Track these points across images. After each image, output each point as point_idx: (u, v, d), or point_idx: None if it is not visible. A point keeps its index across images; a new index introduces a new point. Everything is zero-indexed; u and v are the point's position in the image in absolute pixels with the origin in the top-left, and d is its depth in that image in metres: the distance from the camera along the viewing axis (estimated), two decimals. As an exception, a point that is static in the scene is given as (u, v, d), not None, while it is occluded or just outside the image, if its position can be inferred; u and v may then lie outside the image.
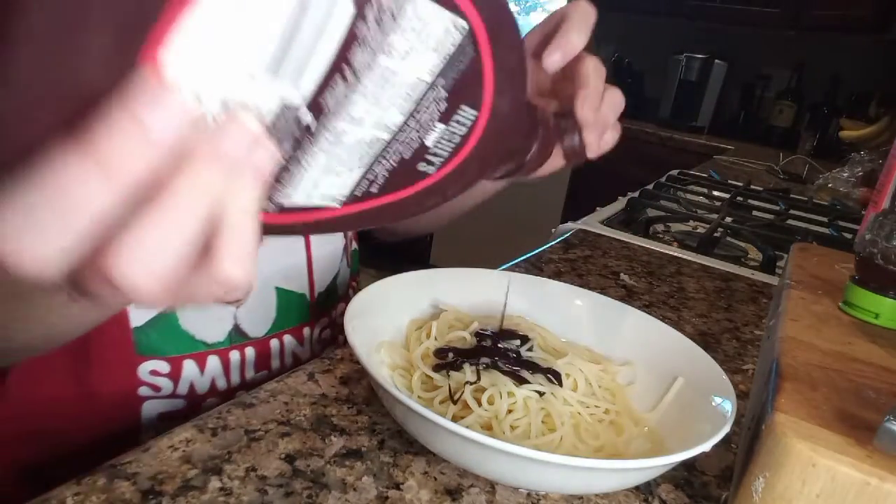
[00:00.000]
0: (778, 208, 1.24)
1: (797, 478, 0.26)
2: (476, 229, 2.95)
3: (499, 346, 0.43)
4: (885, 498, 0.25)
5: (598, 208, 1.05)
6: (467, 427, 0.31)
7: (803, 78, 2.65)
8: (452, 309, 0.48)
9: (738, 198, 1.29)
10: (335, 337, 0.56)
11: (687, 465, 0.40)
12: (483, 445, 0.30)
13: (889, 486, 0.25)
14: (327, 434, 0.38)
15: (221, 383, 0.45)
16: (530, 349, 0.43)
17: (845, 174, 1.54)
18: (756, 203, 1.28)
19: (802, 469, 0.26)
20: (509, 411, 0.38)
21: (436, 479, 0.36)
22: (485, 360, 0.41)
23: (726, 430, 0.34)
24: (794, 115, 2.66)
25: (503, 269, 0.65)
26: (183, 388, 0.43)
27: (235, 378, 0.46)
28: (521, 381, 0.40)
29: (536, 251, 0.78)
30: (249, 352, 0.46)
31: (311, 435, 0.38)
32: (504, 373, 0.40)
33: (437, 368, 0.41)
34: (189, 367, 0.43)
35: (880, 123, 2.03)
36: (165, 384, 0.43)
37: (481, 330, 0.45)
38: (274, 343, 0.47)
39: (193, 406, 0.45)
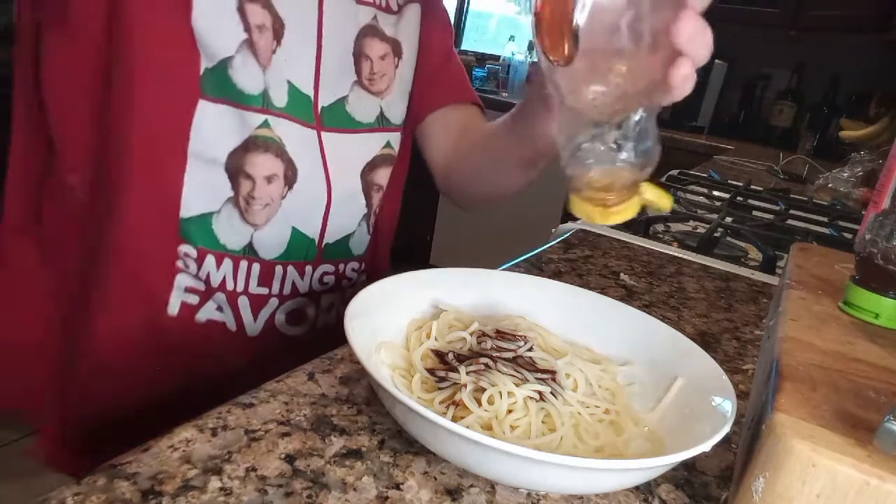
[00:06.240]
0: (778, 208, 1.24)
1: (797, 478, 0.26)
2: (476, 229, 2.95)
3: (499, 346, 0.43)
4: (886, 498, 0.25)
5: (598, 208, 1.05)
6: (467, 427, 0.31)
7: (803, 78, 2.65)
8: (452, 309, 0.48)
9: (738, 198, 1.29)
10: (339, 284, 0.66)
11: (687, 465, 0.40)
12: (483, 445, 0.30)
13: (889, 486, 0.25)
14: (327, 434, 0.38)
15: (230, 284, 0.58)
16: (530, 349, 0.43)
17: (845, 174, 1.54)
18: (756, 203, 1.28)
19: (802, 469, 0.26)
20: (509, 411, 0.38)
21: (436, 479, 0.36)
22: (484, 360, 0.41)
23: (726, 430, 0.33)
24: (794, 115, 2.66)
25: (503, 269, 0.65)
26: (202, 274, 0.57)
27: (241, 284, 0.59)
28: (521, 380, 0.40)
29: (536, 251, 0.78)
30: (256, 267, 0.58)
31: (311, 435, 0.38)
32: (504, 373, 0.40)
33: (432, 372, 0.41)
34: (209, 260, 0.57)
35: (880, 123, 2.03)
36: (192, 266, 0.57)
37: (481, 330, 0.45)
38: (278, 268, 0.59)
39: (208, 291, 0.58)
